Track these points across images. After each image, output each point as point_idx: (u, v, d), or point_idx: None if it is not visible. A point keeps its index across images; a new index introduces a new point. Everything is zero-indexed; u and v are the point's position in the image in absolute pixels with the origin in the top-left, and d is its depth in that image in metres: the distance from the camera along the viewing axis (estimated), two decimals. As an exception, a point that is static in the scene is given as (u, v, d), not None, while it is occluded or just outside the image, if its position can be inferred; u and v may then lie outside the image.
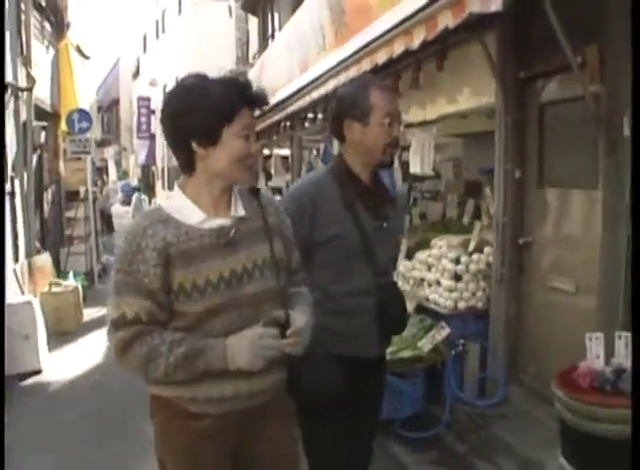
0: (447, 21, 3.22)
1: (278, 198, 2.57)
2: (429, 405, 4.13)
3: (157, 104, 22.95)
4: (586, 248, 3.31)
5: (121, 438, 3.95)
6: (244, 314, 1.70)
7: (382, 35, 4.09)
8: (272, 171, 13.49)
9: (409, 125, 5.55)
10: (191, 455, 1.75)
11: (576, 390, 2.84)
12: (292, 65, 7.72)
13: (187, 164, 1.73)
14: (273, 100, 7.96)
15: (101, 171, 23.51)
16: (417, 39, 3.57)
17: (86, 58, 11.66)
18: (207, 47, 19.64)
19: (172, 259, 1.65)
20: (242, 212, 1.76)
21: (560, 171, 3.61)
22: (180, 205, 1.72)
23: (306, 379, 1.85)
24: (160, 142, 24.33)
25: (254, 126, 1.75)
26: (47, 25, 8.52)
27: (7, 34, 6.35)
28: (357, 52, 4.61)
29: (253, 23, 13.93)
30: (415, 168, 5.56)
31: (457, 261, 4.15)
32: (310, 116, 7.90)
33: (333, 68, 5.22)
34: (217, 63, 15.75)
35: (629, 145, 2.92)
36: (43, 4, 8.15)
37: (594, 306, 3.22)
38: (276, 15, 11.98)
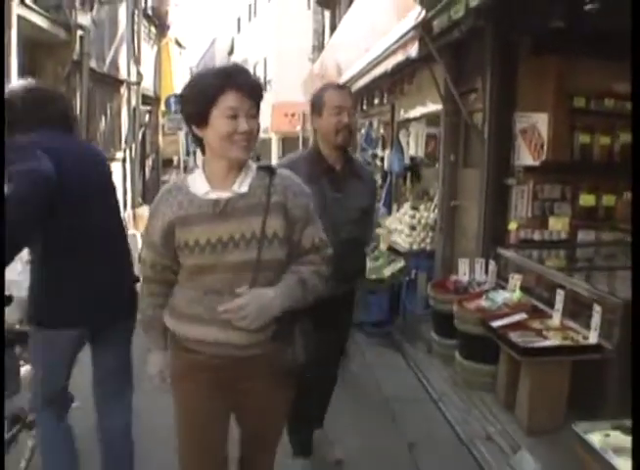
0: (399, 57, 5.16)
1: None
2: (392, 315, 6.07)
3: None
4: (475, 208, 5.12)
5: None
6: (225, 278, 1.89)
7: (374, 59, 6.05)
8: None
9: (409, 120, 7.41)
10: (188, 379, 2.02)
11: (443, 290, 4.74)
12: (339, 61, 9.50)
13: (199, 145, 2.00)
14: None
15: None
16: (391, 64, 5.52)
17: (183, 48, 14.03)
18: (292, 32, 21.67)
19: (173, 223, 1.91)
20: (243, 189, 1.92)
21: (473, 157, 5.41)
22: (195, 177, 1.97)
23: (288, 359, 1.99)
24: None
25: (246, 107, 1.86)
26: (152, 29, 10.86)
27: (124, 43, 8.66)
28: (371, 62, 6.51)
29: (328, 15, 15.74)
30: (411, 151, 7.40)
31: (413, 217, 6.05)
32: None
33: (363, 68, 7.02)
34: (300, 47, 17.72)
35: (486, 144, 4.77)
36: (150, 13, 10.45)
37: (472, 245, 5.06)
38: (342, 10, 13.75)
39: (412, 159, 7.47)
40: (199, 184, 1.95)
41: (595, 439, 2.26)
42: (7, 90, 2.42)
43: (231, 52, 33.09)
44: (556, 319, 3.68)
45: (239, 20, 31.53)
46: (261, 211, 1.91)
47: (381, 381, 4.72)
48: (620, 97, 4.67)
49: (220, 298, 1.88)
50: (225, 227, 1.89)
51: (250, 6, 29.10)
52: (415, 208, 6.13)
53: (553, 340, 3.41)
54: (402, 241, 6.07)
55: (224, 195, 1.92)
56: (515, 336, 3.48)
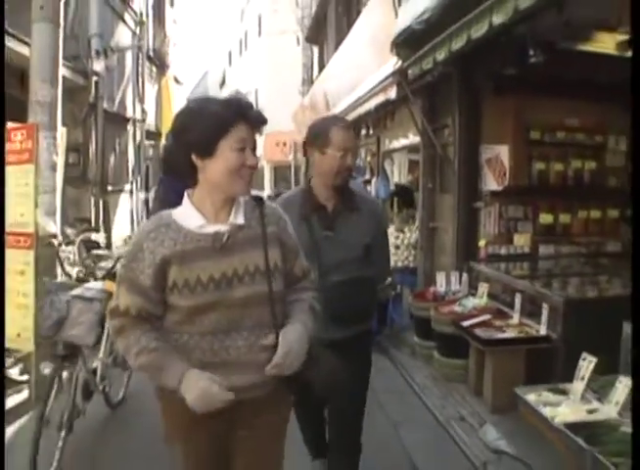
0: (381, 98, 5.95)
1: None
2: (380, 326, 6.74)
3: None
4: (450, 229, 5.86)
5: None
6: (231, 315, 1.80)
7: (360, 97, 6.86)
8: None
9: (393, 150, 8.20)
10: (183, 437, 1.92)
11: (423, 299, 5.45)
12: (328, 97, 10.26)
13: (190, 176, 1.84)
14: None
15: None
16: (374, 103, 6.32)
17: (180, 84, 14.89)
18: (282, 65, 22.66)
19: (169, 260, 1.77)
20: (240, 221, 1.85)
21: (447, 184, 6.16)
22: (185, 211, 1.85)
23: (307, 378, 1.89)
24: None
25: (252, 141, 1.82)
26: (154, 69, 11.70)
27: (130, 84, 9.45)
28: (357, 100, 7.31)
29: (316, 51, 16.72)
30: (395, 178, 8.18)
31: (397, 238, 6.78)
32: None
33: (350, 105, 7.82)
34: (290, 79, 18.73)
35: (457, 172, 5.53)
36: (152, 55, 11.29)
37: (449, 261, 5.80)
38: (330, 47, 14.69)
39: (396, 185, 8.25)
40: (190, 218, 1.84)
41: (531, 397, 2.97)
42: None
43: (223, 84, 34.15)
44: (515, 318, 4.40)
45: (230, 53, 32.74)
46: (260, 242, 1.85)
47: (371, 381, 5.37)
48: (571, 130, 5.49)
49: (225, 337, 1.81)
50: (228, 262, 1.81)
51: (240, 40, 30.32)
52: (401, 230, 6.87)
53: (510, 333, 4.13)
54: (388, 259, 6.78)
55: (222, 228, 1.84)
56: (480, 331, 4.19)
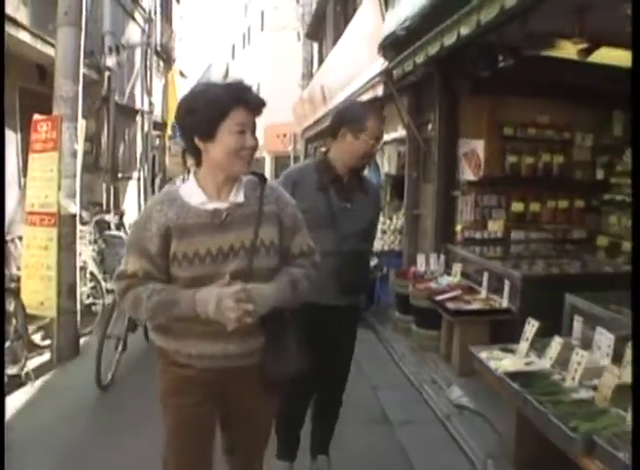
0: (371, 94, 6.49)
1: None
2: (367, 303, 7.30)
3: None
4: (431, 215, 6.41)
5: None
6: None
7: (354, 92, 7.38)
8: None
9: (384, 143, 8.72)
10: (177, 394, 2.03)
11: (404, 277, 6.02)
12: (324, 92, 10.77)
13: (195, 157, 1.97)
14: (319, 113, 11.12)
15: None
16: (365, 98, 6.84)
17: (185, 78, 15.40)
18: (284, 60, 23.16)
19: (171, 232, 1.89)
20: (239, 199, 1.96)
21: (430, 174, 6.71)
22: (190, 188, 1.97)
23: (272, 366, 2.00)
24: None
25: (251, 123, 1.90)
26: (161, 63, 12.23)
27: (139, 78, 9.98)
28: (349, 96, 7.84)
29: (316, 46, 17.20)
30: (386, 169, 8.72)
31: (384, 224, 7.35)
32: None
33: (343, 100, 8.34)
34: (290, 73, 19.26)
35: (437, 164, 6.08)
36: (159, 49, 11.83)
37: (429, 244, 6.36)
38: (328, 43, 15.16)
39: (386, 175, 8.78)
40: (194, 195, 1.95)
41: (483, 355, 3.53)
42: None
43: (226, 76, 34.55)
44: (483, 293, 4.96)
45: (233, 47, 33.22)
46: (257, 220, 1.95)
47: (355, 352, 5.93)
48: (541, 126, 6.03)
49: None
50: (225, 237, 1.92)
51: (244, 34, 30.79)
52: (390, 217, 7.43)
53: (477, 306, 4.69)
54: (375, 243, 7.35)
55: (222, 205, 1.95)
56: (450, 304, 4.76)
